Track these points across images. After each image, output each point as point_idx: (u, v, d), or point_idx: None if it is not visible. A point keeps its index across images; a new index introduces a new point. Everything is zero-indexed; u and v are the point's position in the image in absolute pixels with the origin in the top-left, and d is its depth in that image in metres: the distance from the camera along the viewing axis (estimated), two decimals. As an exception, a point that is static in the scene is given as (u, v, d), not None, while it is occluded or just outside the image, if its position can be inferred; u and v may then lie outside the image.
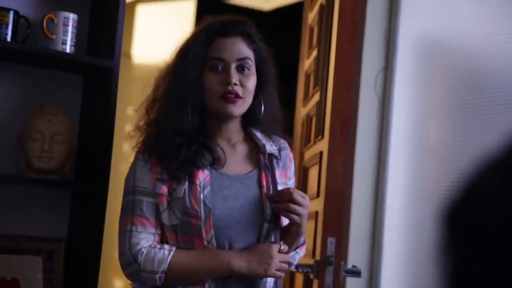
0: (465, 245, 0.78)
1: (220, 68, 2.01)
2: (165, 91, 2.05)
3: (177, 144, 1.99)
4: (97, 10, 2.56)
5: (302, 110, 3.32)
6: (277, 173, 2.08)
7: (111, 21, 2.41)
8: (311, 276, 2.59)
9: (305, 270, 2.58)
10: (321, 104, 2.77)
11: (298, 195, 1.95)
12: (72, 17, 2.39)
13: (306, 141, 3.13)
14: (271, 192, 2.01)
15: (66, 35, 2.37)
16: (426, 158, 3.03)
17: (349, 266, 2.76)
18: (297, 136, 3.44)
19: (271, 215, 1.98)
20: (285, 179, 2.11)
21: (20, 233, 2.47)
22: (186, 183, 1.97)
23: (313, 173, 2.86)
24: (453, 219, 0.81)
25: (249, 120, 2.11)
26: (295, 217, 1.95)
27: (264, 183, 2.02)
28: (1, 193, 2.45)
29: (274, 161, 2.08)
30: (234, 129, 2.09)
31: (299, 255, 2.11)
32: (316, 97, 2.90)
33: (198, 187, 1.96)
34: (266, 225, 1.98)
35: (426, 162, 3.02)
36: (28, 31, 2.37)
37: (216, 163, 2.02)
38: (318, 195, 2.66)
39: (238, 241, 1.97)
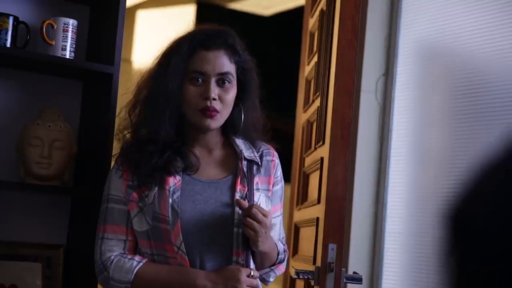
0: (468, 248, 0.78)
1: (200, 80, 2.02)
2: (144, 98, 2.07)
3: (149, 151, 2.00)
4: (97, 15, 2.55)
5: (303, 116, 3.31)
6: (259, 179, 2.07)
7: (111, 27, 2.40)
8: (312, 282, 2.58)
9: (306, 277, 2.57)
10: (321, 110, 2.76)
11: (258, 212, 1.93)
12: (71, 22, 2.38)
13: (307, 147, 3.12)
14: (243, 198, 2.00)
15: (66, 40, 2.36)
16: (426, 164, 3.02)
17: (350, 272, 2.75)
18: (298, 142, 3.43)
19: (240, 220, 1.97)
20: (269, 185, 2.11)
21: (19, 240, 2.45)
22: (156, 188, 1.97)
23: (313, 179, 2.86)
24: (455, 223, 0.80)
25: (229, 128, 2.12)
26: (250, 232, 1.93)
27: (238, 189, 2.02)
28: (0, 199, 2.44)
29: (255, 167, 2.08)
30: (213, 138, 2.10)
31: (275, 273, 2.09)
32: (317, 103, 2.89)
33: (167, 192, 1.97)
34: (235, 230, 1.97)
35: (427, 168, 3.01)
36: (28, 37, 2.36)
37: (189, 168, 2.02)
38: (318, 201, 2.65)
39: (209, 246, 1.97)
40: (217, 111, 2.01)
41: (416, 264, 2.97)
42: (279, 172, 2.15)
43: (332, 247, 2.50)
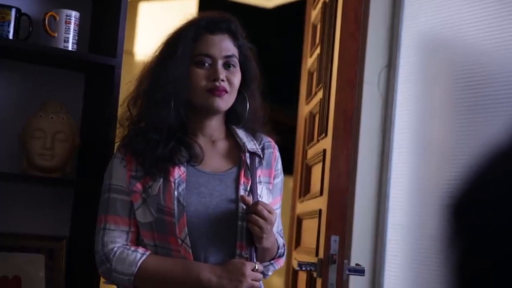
0: (471, 237, 0.78)
1: (207, 64, 2.02)
2: (149, 86, 2.05)
3: (154, 141, 1.99)
4: (99, 7, 2.55)
5: (305, 108, 3.31)
6: (260, 172, 2.07)
7: (113, 19, 2.40)
8: (315, 274, 2.58)
9: (308, 269, 2.57)
10: (324, 102, 2.76)
11: (263, 208, 1.92)
12: (74, 14, 2.38)
13: (309, 139, 3.12)
14: (247, 193, 1.99)
15: (68, 32, 2.36)
16: (429, 156, 3.02)
17: (352, 264, 2.75)
18: (300, 134, 3.43)
19: (244, 214, 1.96)
20: (270, 177, 2.10)
21: (22, 232, 2.46)
22: (161, 180, 1.96)
23: (316, 171, 2.86)
24: (458, 212, 0.80)
25: (232, 118, 2.11)
26: (255, 228, 1.93)
27: (242, 182, 2.01)
28: (3, 191, 2.45)
29: (257, 160, 2.07)
30: (216, 126, 2.09)
31: (274, 267, 2.09)
32: (319, 95, 2.89)
33: (172, 184, 1.95)
34: (239, 223, 1.96)
35: (429, 160, 3.01)
36: (30, 29, 2.36)
37: (193, 160, 2.01)
38: (321, 193, 2.65)
39: (213, 240, 1.96)
40: (226, 91, 2.01)
41: (418, 256, 2.97)
42: (279, 164, 2.16)
43: (334, 239, 2.51)
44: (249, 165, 2.05)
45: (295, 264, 2.80)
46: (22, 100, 2.48)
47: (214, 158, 2.06)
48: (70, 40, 2.36)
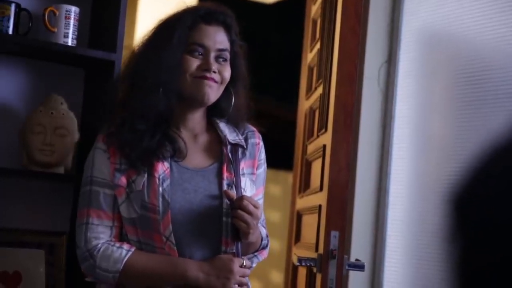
0: (471, 233, 0.78)
1: (199, 54, 1.99)
2: (139, 71, 2.00)
3: (141, 131, 1.95)
4: (99, 2, 2.54)
5: (305, 103, 3.31)
6: (244, 163, 2.05)
7: (113, 14, 2.39)
8: (314, 270, 2.58)
9: (308, 264, 2.57)
10: (324, 97, 2.76)
11: (248, 203, 1.90)
12: (74, 10, 2.38)
13: (309, 134, 3.12)
14: (231, 187, 1.98)
15: (68, 28, 2.36)
16: (429, 151, 3.02)
17: (352, 259, 2.75)
18: (300, 129, 3.43)
19: (228, 209, 1.95)
20: (253, 168, 2.08)
21: (22, 227, 2.46)
22: (146, 175, 1.93)
23: (316, 166, 2.86)
24: (459, 207, 0.80)
25: (214, 113, 2.08)
26: (242, 224, 1.91)
27: (225, 177, 1.99)
28: (3, 186, 2.45)
29: (240, 151, 2.05)
30: (198, 119, 2.06)
31: (258, 259, 2.07)
32: (319, 90, 2.89)
33: (157, 180, 1.92)
34: (224, 219, 1.94)
35: (429, 155, 3.01)
36: (30, 24, 2.36)
37: (177, 155, 1.98)
38: (321, 188, 2.65)
39: (198, 236, 1.94)
40: (216, 82, 1.99)
41: (418, 251, 2.97)
42: (263, 154, 2.13)
43: (334, 234, 2.51)
44: (231, 158, 2.02)
45: (295, 260, 2.80)
46: (21, 96, 2.47)
47: (196, 153, 2.03)
48: (70, 35, 2.36)
